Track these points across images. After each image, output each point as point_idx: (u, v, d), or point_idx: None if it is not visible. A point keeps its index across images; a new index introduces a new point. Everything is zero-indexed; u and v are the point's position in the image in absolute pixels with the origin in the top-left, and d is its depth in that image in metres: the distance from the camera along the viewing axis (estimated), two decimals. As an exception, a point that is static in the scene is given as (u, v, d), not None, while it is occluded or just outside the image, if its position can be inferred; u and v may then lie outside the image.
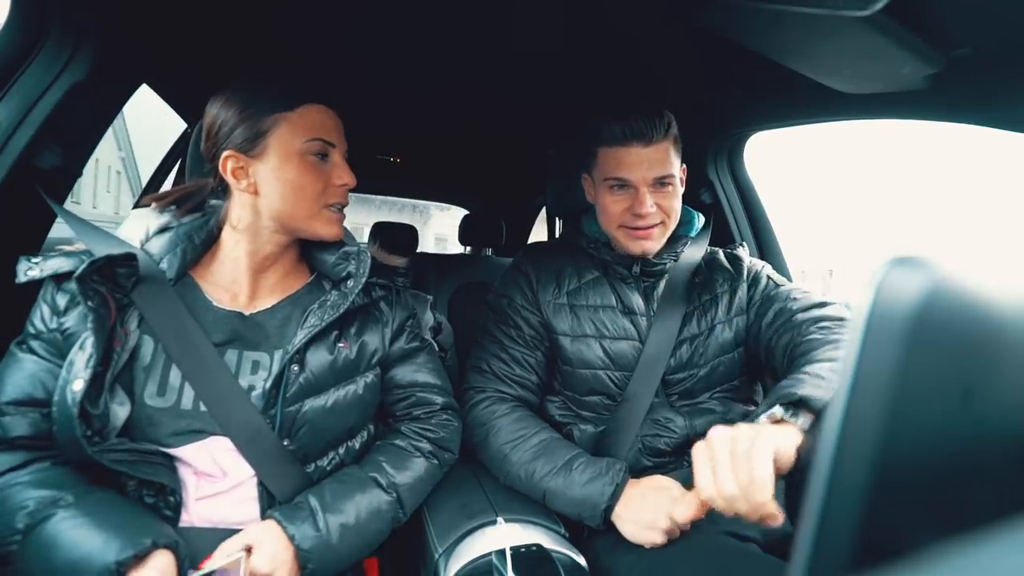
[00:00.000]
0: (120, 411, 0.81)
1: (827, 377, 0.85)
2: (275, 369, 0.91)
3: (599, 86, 1.54)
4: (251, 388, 0.90)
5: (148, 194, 1.45)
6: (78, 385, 0.74)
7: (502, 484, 1.07)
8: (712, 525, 1.02)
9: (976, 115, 0.99)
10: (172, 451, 0.85)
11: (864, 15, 0.73)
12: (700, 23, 1.03)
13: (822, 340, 0.97)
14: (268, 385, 0.89)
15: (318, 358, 0.94)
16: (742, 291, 1.22)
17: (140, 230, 0.94)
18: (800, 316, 1.07)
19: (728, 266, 1.25)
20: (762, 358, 1.15)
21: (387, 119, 1.99)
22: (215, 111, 0.92)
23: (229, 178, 0.91)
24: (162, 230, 0.96)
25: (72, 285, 0.79)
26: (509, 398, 1.17)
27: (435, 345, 1.14)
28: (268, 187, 0.91)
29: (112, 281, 0.83)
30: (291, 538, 0.82)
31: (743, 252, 1.30)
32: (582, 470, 1.01)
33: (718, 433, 0.78)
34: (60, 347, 0.82)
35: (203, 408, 0.86)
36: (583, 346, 1.16)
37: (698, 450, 0.79)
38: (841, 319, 1.04)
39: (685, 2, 0.96)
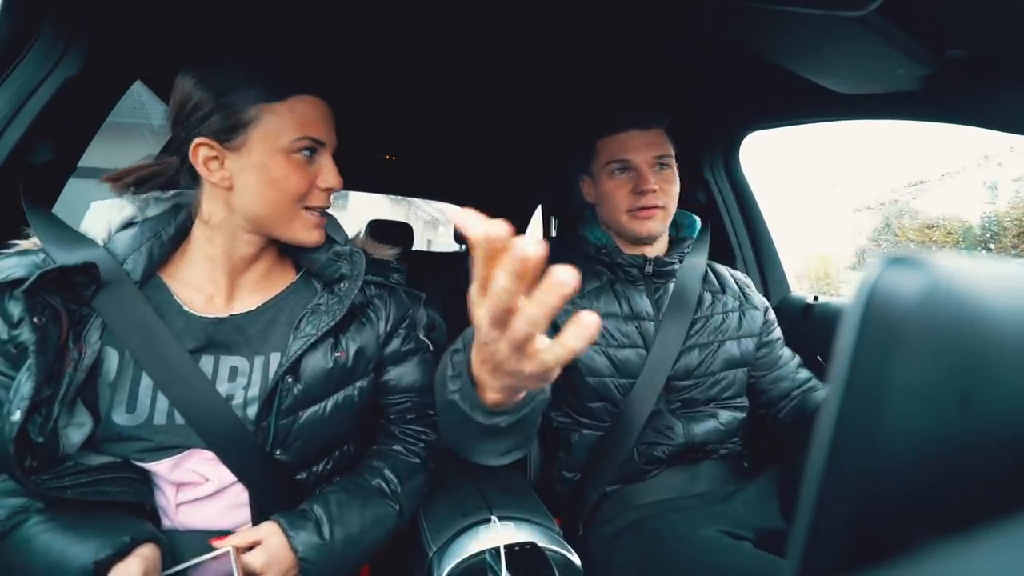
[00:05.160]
0: (75, 433, 0.75)
1: None
2: (256, 377, 0.85)
3: (595, 85, 1.54)
4: (230, 397, 0.83)
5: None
6: (16, 416, 0.67)
7: (495, 480, 1.06)
8: (707, 524, 1.02)
9: (970, 116, 1.00)
10: (144, 465, 0.80)
11: (859, 15, 0.73)
12: (695, 23, 1.03)
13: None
14: (252, 394, 0.84)
15: (313, 368, 0.87)
16: (755, 316, 1.26)
17: (102, 226, 0.85)
18: (800, 376, 1.25)
19: (737, 288, 1.30)
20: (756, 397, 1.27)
21: (382, 116, 1.99)
22: (188, 88, 0.81)
23: (201, 168, 0.81)
24: (126, 225, 0.86)
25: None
26: None
27: (431, 345, 1.08)
28: (245, 184, 0.82)
29: (68, 290, 0.75)
30: (295, 548, 0.80)
31: (751, 285, 1.35)
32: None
33: None
34: (15, 360, 0.73)
35: (179, 421, 0.80)
36: (591, 354, 1.15)
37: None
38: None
39: (681, 2, 0.96)
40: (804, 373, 1.27)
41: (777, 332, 1.31)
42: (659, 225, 1.16)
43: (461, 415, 0.63)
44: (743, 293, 1.29)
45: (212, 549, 0.77)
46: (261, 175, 0.81)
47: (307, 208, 0.86)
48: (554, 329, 0.73)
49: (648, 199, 1.13)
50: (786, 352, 1.30)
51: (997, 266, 0.26)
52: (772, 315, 1.32)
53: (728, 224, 1.70)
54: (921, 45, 0.84)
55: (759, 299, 1.31)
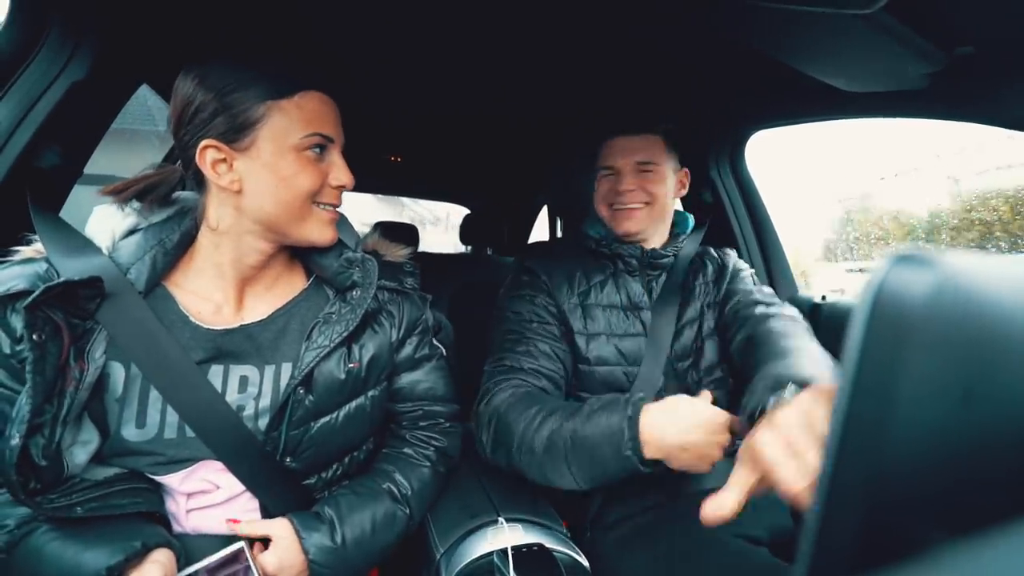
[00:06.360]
0: (80, 452, 0.73)
1: (819, 359, 0.91)
2: (267, 387, 0.83)
3: (600, 86, 1.54)
4: (240, 408, 0.81)
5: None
6: (15, 441, 0.64)
7: (502, 482, 1.06)
8: (721, 527, 1.01)
9: (978, 113, 0.99)
10: (155, 478, 0.79)
11: (866, 13, 0.73)
12: (701, 22, 1.03)
13: (781, 331, 1.05)
14: (263, 405, 0.82)
15: (326, 379, 0.86)
16: (723, 283, 1.31)
17: (105, 234, 0.81)
18: (756, 311, 1.17)
19: (717, 257, 1.36)
20: (725, 344, 1.24)
21: (387, 116, 1.99)
22: (189, 90, 0.77)
23: (208, 171, 0.78)
24: (130, 232, 0.83)
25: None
26: (535, 389, 1.08)
27: (443, 350, 1.08)
28: (255, 185, 0.79)
29: (72, 304, 0.72)
30: (306, 551, 0.79)
31: (732, 252, 1.40)
32: (592, 409, 0.90)
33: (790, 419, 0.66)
34: (20, 375, 0.69)
35: (190, 434, 0.78)
36: (598, 343, 1.20)
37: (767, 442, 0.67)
38: (794, 319, 1.15)
39: (686, 2, 0.96)
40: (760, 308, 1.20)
41: (740, 278, 1.30)
42: (635, 224, 1.21)
43: (623, 460, 0.83)
44: (722, 262, 1.34)
45: (225, 544, 0.77)
46: (272, 175, 0.79)
47: (319, 204, 0.84)
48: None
49: (624, 199, 1.20)
50: (747, 288, 1.27)
51: (1005, 264, 0.26)
52: (745, 272, 1.32)
53: (735, 224, 1.69)
54: (928, 43, 0.84)
55: (734, 262, 1.34)
